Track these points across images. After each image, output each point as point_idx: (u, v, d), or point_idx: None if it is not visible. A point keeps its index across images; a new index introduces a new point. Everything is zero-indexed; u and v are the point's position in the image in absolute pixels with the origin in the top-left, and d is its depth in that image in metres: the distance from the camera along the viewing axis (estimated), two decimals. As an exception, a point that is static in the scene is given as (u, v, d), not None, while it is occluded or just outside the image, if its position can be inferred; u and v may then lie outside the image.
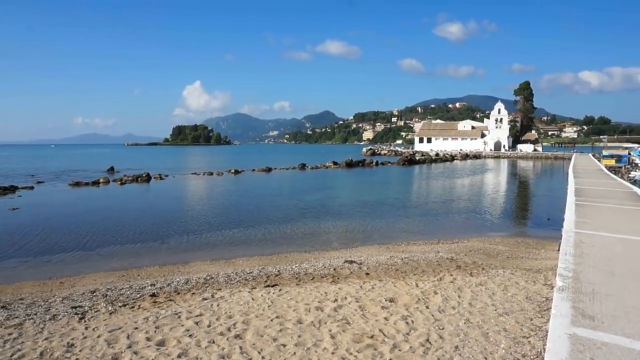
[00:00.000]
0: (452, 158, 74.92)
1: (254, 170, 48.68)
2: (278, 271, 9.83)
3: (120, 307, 7.47)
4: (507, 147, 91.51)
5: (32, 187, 31.16)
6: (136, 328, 6.23)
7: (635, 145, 61.11)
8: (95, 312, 7.20)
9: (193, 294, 8.11)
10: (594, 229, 9.43)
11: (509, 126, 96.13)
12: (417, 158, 67.46)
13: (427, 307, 6.72)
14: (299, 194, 28.55)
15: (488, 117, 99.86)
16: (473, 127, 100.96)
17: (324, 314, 6.53)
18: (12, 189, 29.17)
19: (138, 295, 8.23)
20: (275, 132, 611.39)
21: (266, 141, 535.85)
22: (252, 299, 7.44)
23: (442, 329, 5.85)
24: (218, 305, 7.14)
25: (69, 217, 19.38)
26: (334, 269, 9.81)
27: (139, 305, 7.48)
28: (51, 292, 8.99)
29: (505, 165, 63.45)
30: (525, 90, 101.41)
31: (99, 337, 5.95)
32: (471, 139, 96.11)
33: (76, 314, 7.09)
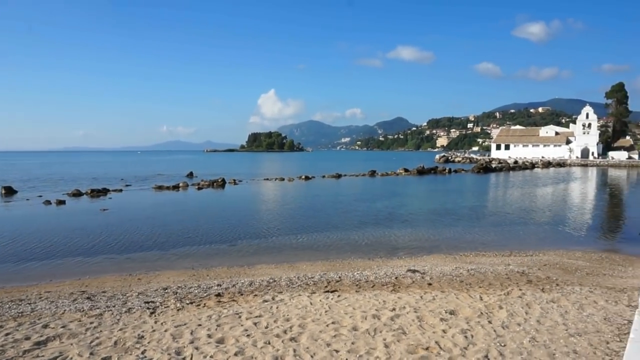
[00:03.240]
0: (533, 166, 70.55)
1: (324, 176, 49.28)
2: (339, 277, 9.88)
3: (187, 304, 7.91)
4: (596, 155, 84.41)
5: (120, 190, 33.98)
6: (200, 325, 6.57)
7: None
8: (165, 307, 7.69)
9: (255, 295, 8.39)
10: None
11: (598, 132, 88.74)
12: (494, 166, 64.38)
13: (489, 322, 6.40)
14: (367, 201, 28.43)
15: (574, 122, 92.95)
16: (557, 133, 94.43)
17: (380, 322, 6.45)
18: (104, 191, 32.04)
19: (205, 294, 8.67)
20: (347, 139, 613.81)
21: (338, 148, 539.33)
22: (311, 304, 7.55)
23: (504, 345, 5.54)
24: (277, 308, 7.33)
25: (151, 218, 20.88)
26: (396, 278, 9.65)
27: (204, 304, 7.88)
28: (129, 287, 9.74)
29: (593, 174, 58.56)
30: (619, 93, 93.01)
31: (165, 331, 6.36)
32: (554, 146, 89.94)
33: (148, 308, 7.63)
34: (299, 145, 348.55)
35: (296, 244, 15.24)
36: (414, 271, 10.16)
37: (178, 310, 7.52)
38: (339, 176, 49.38)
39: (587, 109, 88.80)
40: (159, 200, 29.29)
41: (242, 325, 6.49)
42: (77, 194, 30.56)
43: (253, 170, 67.23)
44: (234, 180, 42.42)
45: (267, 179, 46.02)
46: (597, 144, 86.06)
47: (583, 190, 37.78)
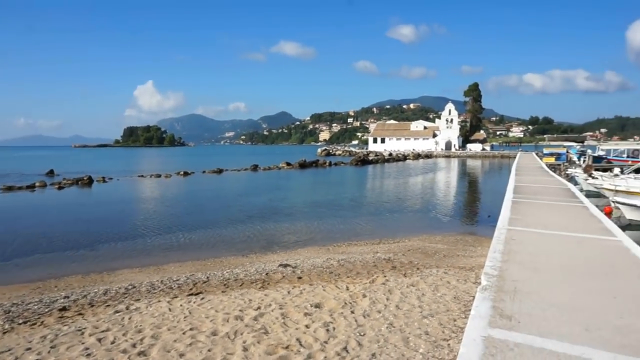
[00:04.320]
0: (405, 158, 76.27)
1: (204, 172, 47.42)
2: (207, 278, 9.31)
3: (19, 324, 6.73)
4: (457, 147, 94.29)
5: (-44, 193, 28.82)
6: (28, 349, 5.58)
7: (574, 144, 64.47)
8: (-12, 331, 6.44)
9: (107, 306, 7.47)
10: (525, 226, 9.54)
11: (459, 126, 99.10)
12: (371, 158, 68.14)
13: (352, 312, 6.45)
14: (248, 195, 27.94)
15: (440, 118, 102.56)
16: (425, 128, 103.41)
17: (243, 323, 6.11)
18: None
19: (46, 310, 7.50)
20: (232, 133, 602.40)
21: (222, 142, 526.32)
22: (170, 310, 6.92)
23: (363, 335, 5.58)
24: (130, 319, 6.57)
25: (-9, 224, 17.91)
26: (266, 274, 9.40)
27: (42, 322, 6.77)
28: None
29: (455, 164, 65.19)
30: (474, 92, 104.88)
31: (-20, 361, 5.27)
32: (423, 139, 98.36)
33: (-37, 335, 6.31)
34: (180, 140, 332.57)
35: (167, 245, 14.19)
36: (285, 265, 10.02)
37: (4, 333, 6.34)
38: (220, 171, 47.94)
39: (450, 105, 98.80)
40: (6, 203, 25.37)
41: (82, 344, 5.65)
42: None
43: (127, 167, 62.04)
44: (103, 177, 38.70)
45: (142, 176, 42.83)
46: (458, 138, 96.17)
47: (447, 179, 41.76)
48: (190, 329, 5.97)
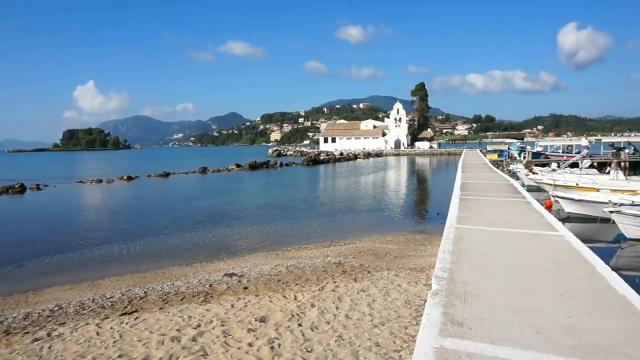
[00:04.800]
0: (355, 157, 76.96)
1: (149, 175, 45.45)
2: (145, 293, 8.60)
3: None
4: (406, 145, 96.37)
5: None
6: None
7: (514, 141, 67.62)
8: None
9: (26, 332, 6.66)
10: (473, 223, 9.56)
11: (407, 125, 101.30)
12: (322, 158, 68.16)
13: (299, 325, 6.07)
14: (196, 199, 26.91)
15: (389, 117, 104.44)
16: (375, 127, 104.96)
17: (179, 345, 5.57)
18: None
19: (-48, 342, 6.57)
20: (180, 135, 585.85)
21: (170, 144, 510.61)
22: (98, 334, 6.24)
23: (310, 351, 5.21)
24: (50, 348, 5.84)
25: None
26: (210, 285, 8.83)
27: (-56, 357, 5.90)
28: None
29: (404, 162, 66.50)
30: (421, 91, 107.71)
31: None
32: (373, 138, 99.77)
33: None
34: (126, 143, 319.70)
35: (104, 257, 13.17)
36: (231, 275, 9.47)
37: None
38: (167, 175, 46.11)
39: (398, 105, 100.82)
40: None
41: (-11, 382, 4.92)
42: None
43: (66, 173, 58.43)
44: (37, 185, 36.10)
45: (82, 182, 40.37)
46: (406, 136, 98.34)
47: (397, 178, 42.37)
48: (119, 356, 5.36)
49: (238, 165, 53.17)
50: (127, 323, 6.58)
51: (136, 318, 6.82)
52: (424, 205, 24.16)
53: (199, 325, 6.24)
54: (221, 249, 13.51)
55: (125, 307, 7.68)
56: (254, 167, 53.62)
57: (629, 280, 8.77)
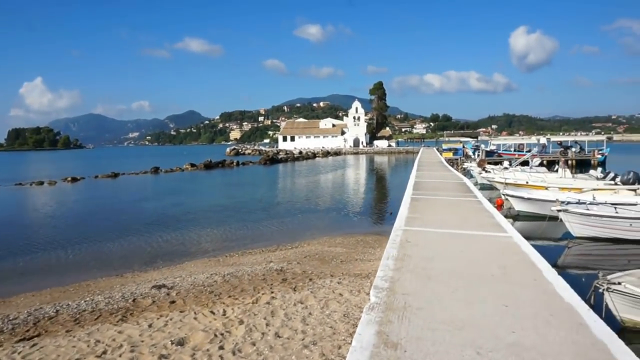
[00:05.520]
0: (314, 155, 76.51)
1: (96, 177, 43.07)
2: (56, 311, 7.57)
3: None
4: (365, 144, 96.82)
5: None
6: None
7: (469, 140, 69.23)
8: None
9: None
10: (422, 225, 9.17)
11: (366, 124, 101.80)
12: (280, 157, 67.29)
13: (221, 348, 5.32)
14: (143, 201, 25.51)
15: (348, 116, 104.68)
16: (334, 125, 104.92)
17: (73, 380, 4.72)
18: None
19: None
20: (136, 134, 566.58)
21: (125, 144, 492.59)
22: (-21, 368, 5.27)
23: (226, 381, 4.51)
24: None
25: None
26: (134, 300, 7.91)
27: None
28: None
29: (363, 160, 66.60)
30: (379, 90, 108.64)
31: None
32: (332, 137, 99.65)
33: None
34: (77, 142, 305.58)
35: (25, 269, 11.85)
36: (159, 287, 8.58)
37: None
38: (115, 175, 43.87)
39: (357, 103, 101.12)
40: None
41: None
42: None
43: (6, 174, 54.60)
44: (-32, 188, 33.39)
45: (20, 184, 37.69)
46: (365, 135, 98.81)
47: (355, 176, 42.14)
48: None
49: (192, 165, 51.45)
50: (19, 353, 5.60)
51: (33, 345, 5.85)
52: (379, 205, 23.83)
53: (104, 353, 5.38)
54: (159, 256, 12.51)
55: (27, 330, 6.67)
56: (209, 166, 52.05)
57: (574, 279, 8.58)
